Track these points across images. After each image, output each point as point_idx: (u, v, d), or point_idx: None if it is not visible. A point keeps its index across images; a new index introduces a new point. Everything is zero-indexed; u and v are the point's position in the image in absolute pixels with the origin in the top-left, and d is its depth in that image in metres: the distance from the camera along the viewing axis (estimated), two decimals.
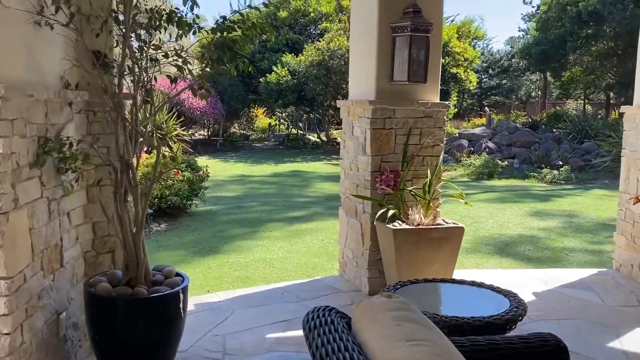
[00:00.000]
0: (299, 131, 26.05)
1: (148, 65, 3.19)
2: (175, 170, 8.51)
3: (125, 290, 3.07)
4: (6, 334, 2.47)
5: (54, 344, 2.97)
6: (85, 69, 3.16)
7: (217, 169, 14.76)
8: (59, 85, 3.11)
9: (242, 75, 20.48)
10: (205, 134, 23.56)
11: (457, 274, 4.58)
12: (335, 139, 24.50)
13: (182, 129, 13.57)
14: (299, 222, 8.86)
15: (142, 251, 3.16)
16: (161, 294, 3.07)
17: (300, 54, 20.81)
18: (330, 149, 22.17)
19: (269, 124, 26.95)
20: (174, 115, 12.56)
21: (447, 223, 4.54)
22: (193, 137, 18.81)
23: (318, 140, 24.16)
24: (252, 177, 14.62)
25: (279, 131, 26.92)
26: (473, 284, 3.24)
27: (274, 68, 20.34)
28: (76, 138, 3.21)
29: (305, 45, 21.22)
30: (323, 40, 20.37)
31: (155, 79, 3.15)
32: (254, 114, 26.44)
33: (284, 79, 20.19)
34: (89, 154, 3.14)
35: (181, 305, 3.17)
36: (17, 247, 2.56)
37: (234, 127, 25.96)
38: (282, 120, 27.42)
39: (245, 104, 23.31)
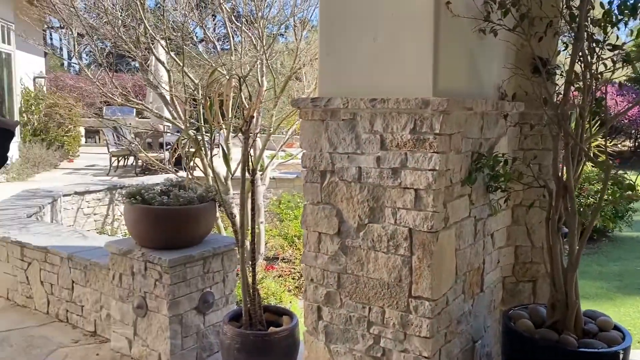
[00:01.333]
0: None
1: (599, 70, 2.62)
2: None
3: (551, 335, 2.61)
4: (426, 357, 2.38)
5: None
6: (527, 77, 2.83)
7: None
8: (495, 96, 2.89)
9: None
10: (631, 145, 20.51)
11: None
12: None
13: (603, 139, 12.05)
14: None
15: (574, 292, 2.64)
16: (595, 350, 2.48)
17: None
18: None
19: None
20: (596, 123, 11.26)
21: None
22: (615, 149, 16.63)
23: None
24: None
25: None
26: None
27: None
28: (508, 154, 2.93)
29: None
30: None
31: (620, 85, 2.55)
32: None
33: None
34: (522, 172, 2.81)
35: None
36: (443, 269, 2.44)
37: None
38: None
39: None
